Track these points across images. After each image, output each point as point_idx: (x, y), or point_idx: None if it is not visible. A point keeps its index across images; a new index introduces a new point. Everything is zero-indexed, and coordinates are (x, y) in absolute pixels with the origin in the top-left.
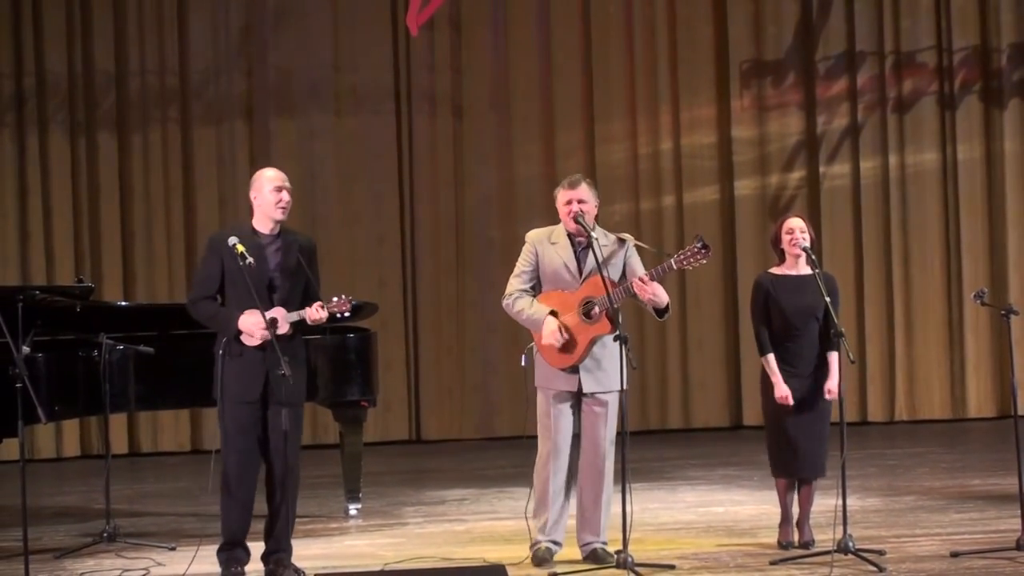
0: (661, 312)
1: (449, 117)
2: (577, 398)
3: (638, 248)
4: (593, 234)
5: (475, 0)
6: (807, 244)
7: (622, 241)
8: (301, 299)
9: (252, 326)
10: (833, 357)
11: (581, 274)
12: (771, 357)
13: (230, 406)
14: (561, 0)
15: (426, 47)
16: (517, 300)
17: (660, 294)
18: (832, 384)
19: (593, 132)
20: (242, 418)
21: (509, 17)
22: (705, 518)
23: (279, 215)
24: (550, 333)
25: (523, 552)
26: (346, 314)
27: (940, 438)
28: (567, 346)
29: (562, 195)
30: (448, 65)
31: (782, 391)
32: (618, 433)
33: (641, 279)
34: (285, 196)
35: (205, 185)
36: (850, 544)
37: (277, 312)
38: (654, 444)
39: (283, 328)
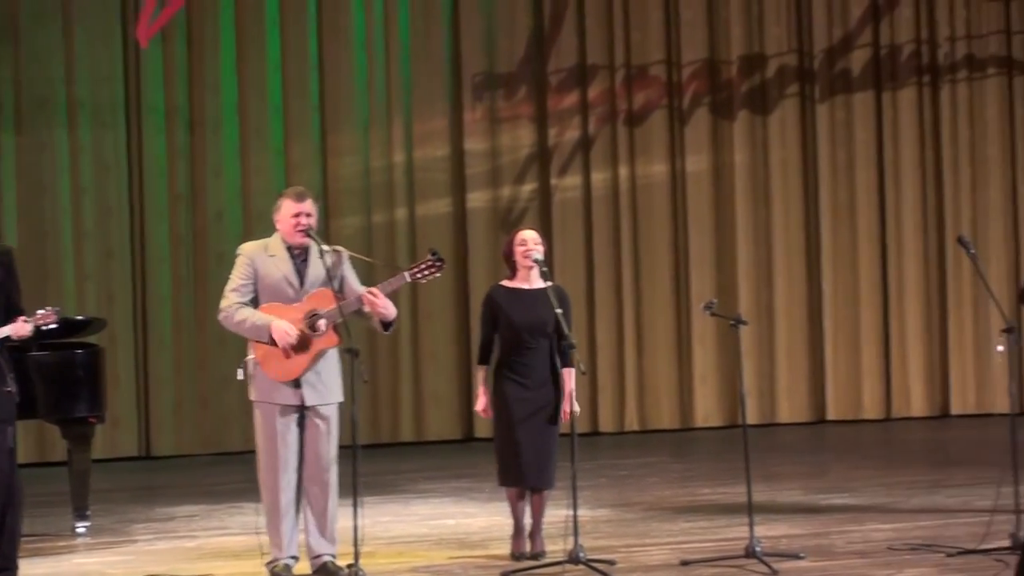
0: (387, 325)
1: (182, 130)
2: (300, 412)
3: (355, 259)
4: (324, 247)
5: (207, 13)
6: (540, 256)
7: (337, 253)
8: (4, 313)
9: None
10: (568, 374)
11: (302, 286)
12: (483, 369)
13: None
14: (294, 12)
15: (158, 60)
16: (239, 310)
17: (389, 307)
18: (568, 405)
19: (325, 144)
20: None
21: (241, 29)
22: (437, 531)
23: None
24: (283, 332)
25: (254, 568)
26: (53, 326)
27: (669, 448)
28: (292, 357)
29: (290, 207)
30: (181, 78)
31: (481, 404)
32: (349, 446)
33: (371, 291)
34: None
35: None
36: (581, 554)
37: None
38: (386, 457)
39: None
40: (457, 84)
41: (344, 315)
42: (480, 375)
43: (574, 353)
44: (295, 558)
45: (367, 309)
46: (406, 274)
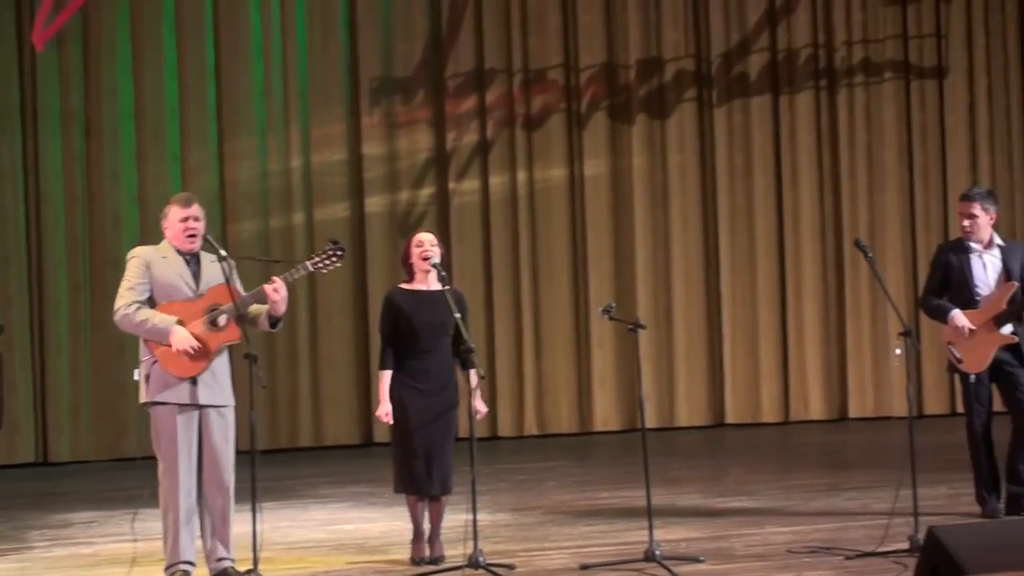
0: (276, 322)
1: (79, 135)
2: (198, 413)
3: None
4: (223, 252)
5: (103, 18)
6: (437, 260)
7: (224, 256)
8: None
9: None
10: (472, 375)
11: (198, 285)
12: (387, 374)
13: None
14: (191, 16)
15: (53, 64)
16: (139, 310)
17: (285, 302)
18: (478, 403)
19: (222, 150)
20: None
21: (138, 33)
22: (336, 536)
23: None
24: (183, 340)
25: (153, 573)
26: None
27: (569, 452)
28: (195, 354)
29: (178, 212)
30: (77, 83)
31: (383, 409)
32: (248, 452)
33: (274, 280)
34: None
35: None
36: (481, 559)
37: None
38: (284, 462)
39: None
40: (354, 89)
41: (242, 310)
42: (386, 380)
43: (473, 357)
44: (192, 564)
45: (253, 309)
46: (308, 264)
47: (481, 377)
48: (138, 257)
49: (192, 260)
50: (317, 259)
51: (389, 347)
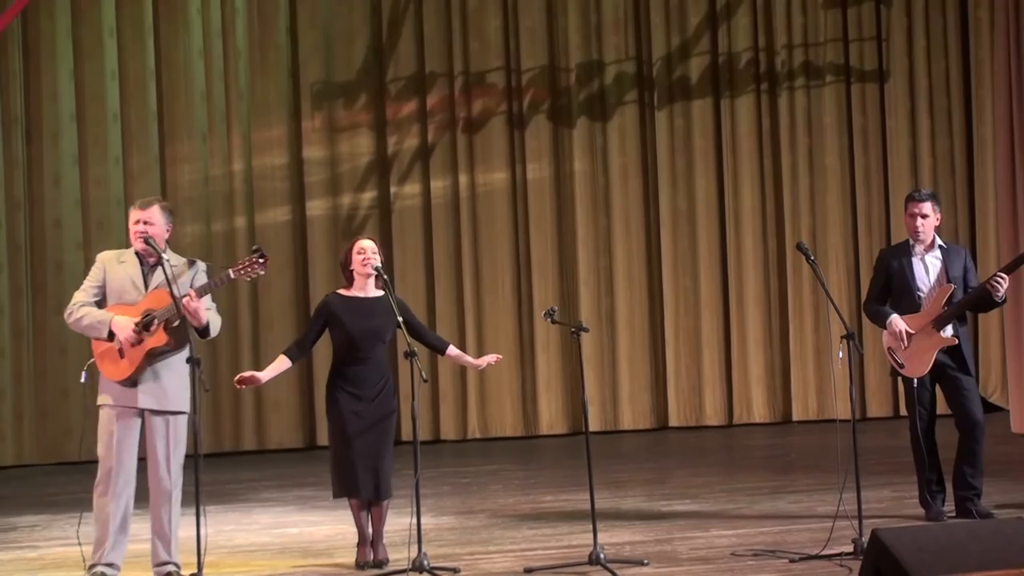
0: (201, 332)
1: (19, 139)
2: (140, 417)
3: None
4: (164, 256)
5: (43, 21)
6: (378, 264)
7: (193, 263)
8: None
9: None
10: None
11: (147, 290)
12: (284, 362)
13: None
14: (130, 19)
15: None
16: (79, 308)
17: (198, 314)
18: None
19: (164, 153)
20: None
21: (79, 37)
22: (280, 539)
23: None
24: (122, 326)
25: None
26: None
27: (513, 455)
28: (124, 356)
29: (132, 215)
30: (17, 86)
31: (248, 377)
32: (192, 455)
33: (190, 293)
34: None
35: None
36: (425, 562)
37: None
38: (228, 466)
39: None
40: (296, 93)
41: (173, 315)
42: (277, 363)
43: (415, 361)
44: (113, 566)
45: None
46: (231, 271)
47: (424, 380)
48: (98, 261)
49: (151, 263)
50: (240, 267)
51: (303, 341)
